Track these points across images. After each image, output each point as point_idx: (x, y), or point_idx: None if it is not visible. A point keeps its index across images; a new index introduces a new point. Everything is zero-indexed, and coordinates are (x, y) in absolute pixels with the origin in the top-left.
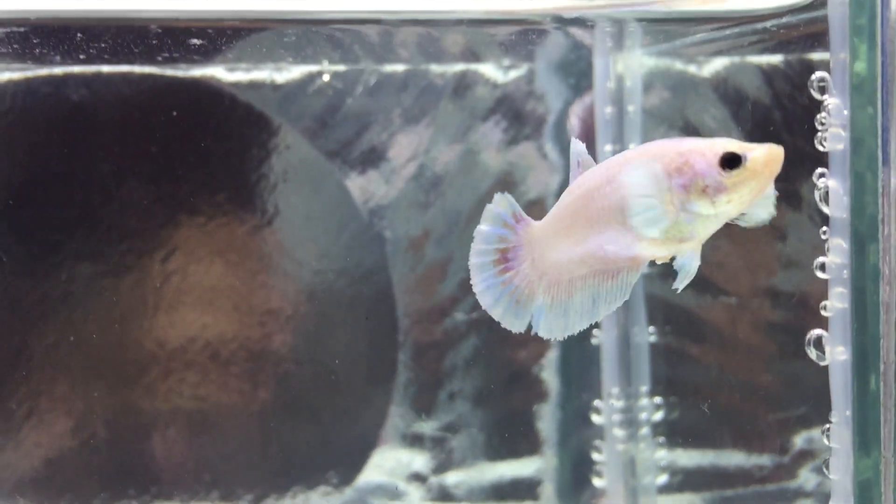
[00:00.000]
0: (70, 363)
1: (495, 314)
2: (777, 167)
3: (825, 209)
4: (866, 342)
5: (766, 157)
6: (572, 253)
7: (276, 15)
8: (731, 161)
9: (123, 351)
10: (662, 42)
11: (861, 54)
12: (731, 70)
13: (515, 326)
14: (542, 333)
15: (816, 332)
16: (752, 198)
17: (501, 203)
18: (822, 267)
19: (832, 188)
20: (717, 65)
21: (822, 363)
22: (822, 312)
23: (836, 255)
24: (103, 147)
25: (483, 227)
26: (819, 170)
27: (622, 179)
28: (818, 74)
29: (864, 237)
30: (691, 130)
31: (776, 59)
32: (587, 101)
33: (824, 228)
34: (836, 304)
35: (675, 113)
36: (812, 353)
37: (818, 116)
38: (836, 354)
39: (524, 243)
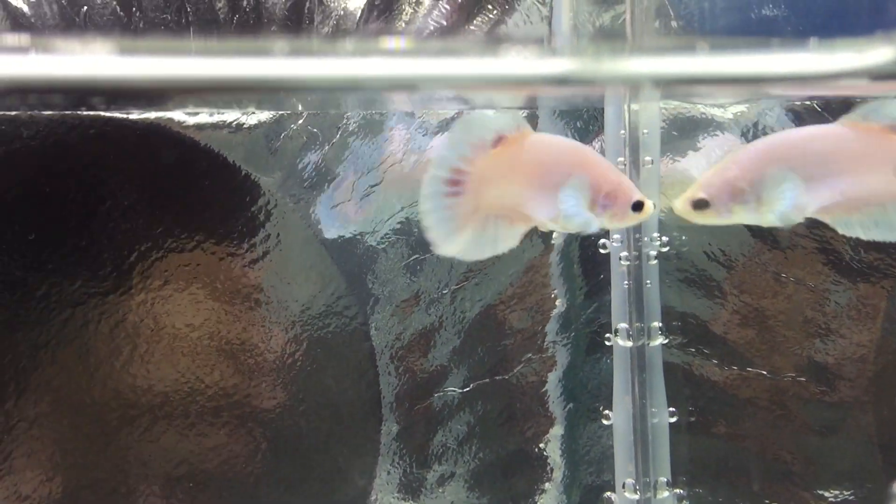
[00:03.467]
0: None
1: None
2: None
3: None
4: None
5: (651, 209)
6: (507, 200)
7: (240, 83)
8: (637, 206)
9: (92, 408)
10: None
11: None
12: (759, 111)
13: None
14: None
15: None
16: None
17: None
18: None
19: None
20: (744, 105)
21: None
22: None
23: None
24: (40, 201)
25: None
26: None
27: (568, 182)
28: None
29: None
30: None
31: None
32: (597, 146)
33: None
34: None
35: (699, 161)
36: None
37: None
38: None
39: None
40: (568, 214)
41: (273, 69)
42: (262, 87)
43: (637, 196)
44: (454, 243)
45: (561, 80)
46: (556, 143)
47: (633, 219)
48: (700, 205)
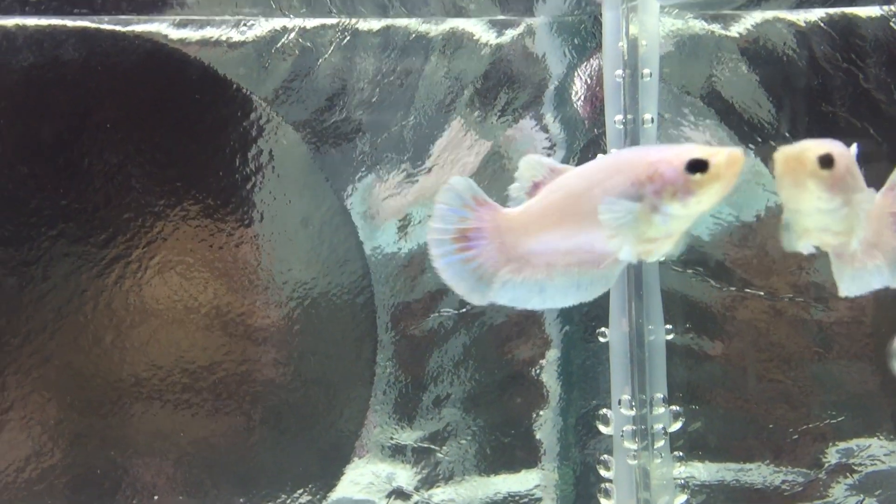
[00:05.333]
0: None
1: (457, 290)
2: (738, 168)
3: None
4: None
5: (728, 160)
6: (558, 245)
7: None
8: (696, 166)
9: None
10: None
11: None
12: (762, 29)
13: (476, 300)
14: (505, 302)
15: None
16: (719, 196)
17: (460, 185)
18: None
19: None
20: (747, 23)
21: None
22: None
23: None
24: (28, 115)
25: (441, 205)
26: None
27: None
28: None
29: None
30: (715, 98)
31: (815, 15)
32: (595, 64)
33: None
34: None
35: (697, 79)
36: None
37: None
38: None
39: (489, 227)
40: (615, 224)
41: None
42: None
43: (690, 154)
44: (484, 294)
45: None
46: (577, 172)
47: (706, 186)
48: (827, 162)
